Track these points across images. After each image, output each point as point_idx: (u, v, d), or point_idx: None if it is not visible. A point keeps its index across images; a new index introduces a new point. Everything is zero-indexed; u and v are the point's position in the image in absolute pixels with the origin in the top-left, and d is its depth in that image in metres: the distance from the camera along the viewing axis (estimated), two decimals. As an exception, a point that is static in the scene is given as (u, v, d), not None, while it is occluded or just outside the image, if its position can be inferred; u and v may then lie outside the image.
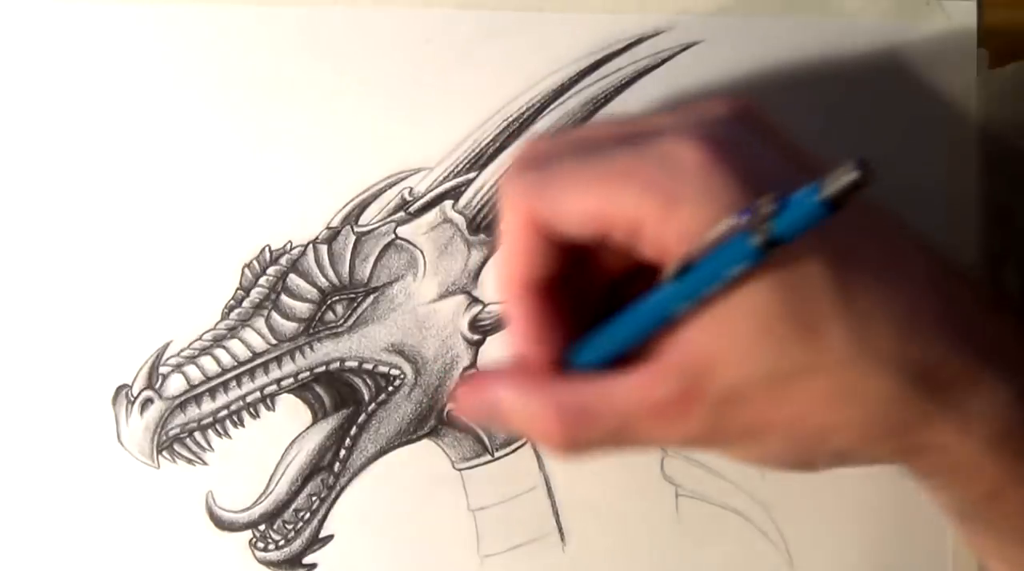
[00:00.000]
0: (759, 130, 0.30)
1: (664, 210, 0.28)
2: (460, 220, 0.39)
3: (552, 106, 0.40)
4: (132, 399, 0.38)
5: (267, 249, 0.39)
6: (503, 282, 0.31)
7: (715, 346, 0.28)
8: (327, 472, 0.39)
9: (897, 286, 0.29)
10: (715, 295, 0.28)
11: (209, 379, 0.38)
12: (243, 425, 0.39)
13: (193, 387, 0.38)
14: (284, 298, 0.39)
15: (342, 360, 0.39)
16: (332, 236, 0.39)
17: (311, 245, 0.39)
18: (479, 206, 0.39)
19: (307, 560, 0.39)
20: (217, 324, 0.39)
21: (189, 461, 0.38)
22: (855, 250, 0.29)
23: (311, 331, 0.39)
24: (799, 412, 0.29)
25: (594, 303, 0.32)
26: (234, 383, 0.38)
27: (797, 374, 0.28)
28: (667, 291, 0.28)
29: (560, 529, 0.39)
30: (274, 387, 0.38)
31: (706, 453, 0.30)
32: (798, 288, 0.28)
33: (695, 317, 0.28)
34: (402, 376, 0.39)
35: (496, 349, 0.39)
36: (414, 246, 0.39)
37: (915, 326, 0.28)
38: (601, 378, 0.30)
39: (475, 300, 0.39)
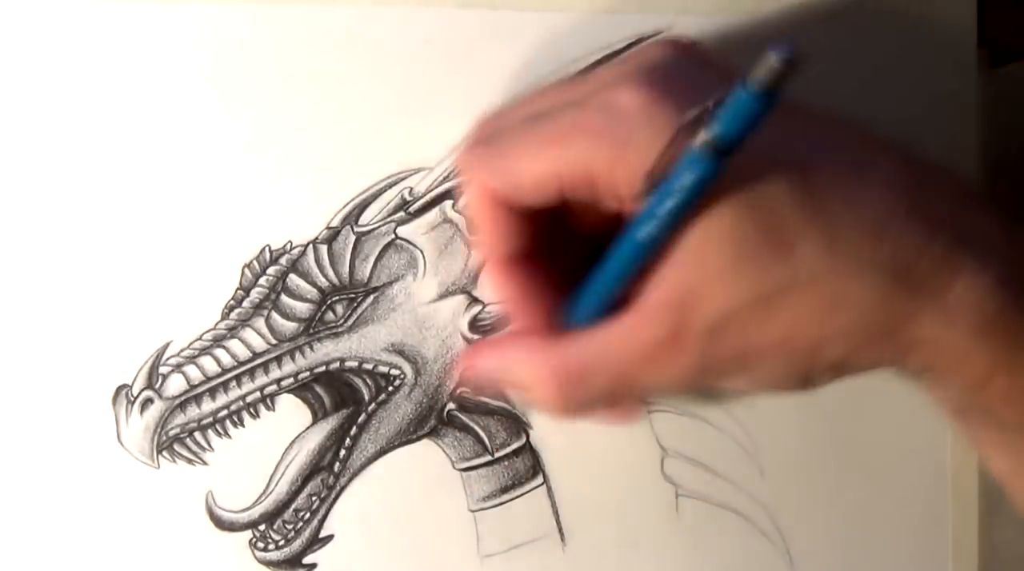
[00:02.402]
0: (700, 63, 0.30)
1: (613, 156, 0.28)
2: (460, 220, 0.39)
3: (552, 106, 0.40)
4: (132, 399, 0.38)
5: (267, 249, 0.39)
6: (484, 258, 0.31)
7: (694, 278, 0.28)
8: (327, 472, 0.39)
9: (862, 188, 0.29)
10: (683, 219, 0.28)
11: (209, 379, 0.38)
12: (243, 425, 0.39)
13: (193, 387, 0.38)
14: (284, 298, 0.39)
15: (342, 360, 0.39)
16: (332, 236, 0.39)
17: (311, 245, 0.39)
18: (479, 206, 0.39)
19: (307, 560, 0.39)
20: (217, 324, 0.39)
21: (189, 461, 0.38)
22: (815, 160, 0.29)
23: (311, 331, 0.39)
24: (788, 330, 0.28)
25: (582, 265, 0.32)
26: (234, 383, 0.38)
27: (779, 292, 0.28)
28: (633, 225, 0.28)
29: (560, 529, 0.39)
30: (274, 387, 0.39)
31: (706, 390, 0.30)
32: (764, 207, 0.28)
33: (671, 254, 0.28)
34: (402, 376, 0.39)
35: (496, 349, 0.39)
36: (414, 246, 0.39)
37: (885, 223, 0.28)
38: (591, 333, 0.30)
39: (475, 300, 0.39)
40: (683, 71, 0.30)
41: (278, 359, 0.38)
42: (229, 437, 0.39)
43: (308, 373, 0.39)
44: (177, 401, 0.38)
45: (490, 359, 0.32)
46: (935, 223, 0.29)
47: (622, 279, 0.30)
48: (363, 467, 0.39)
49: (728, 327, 0.28)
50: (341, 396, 0.39)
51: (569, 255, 0.32)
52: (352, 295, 0.39)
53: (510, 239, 0.31)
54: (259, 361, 0.38)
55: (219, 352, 0.38)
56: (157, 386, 0.38)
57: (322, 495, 0.39)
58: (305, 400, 0.39)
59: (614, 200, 0.29)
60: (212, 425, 0.38)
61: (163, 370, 0.38)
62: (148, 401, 0.38)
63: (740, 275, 0.28)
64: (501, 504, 0.39)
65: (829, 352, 0.29)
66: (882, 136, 0.31)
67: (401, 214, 0.39)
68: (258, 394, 0.38)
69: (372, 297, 0.39)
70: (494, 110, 0.34)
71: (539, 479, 0.39)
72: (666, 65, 0.30)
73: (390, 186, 0.39)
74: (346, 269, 0.39)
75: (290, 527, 0.39)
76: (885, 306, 0.28)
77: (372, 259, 0.39)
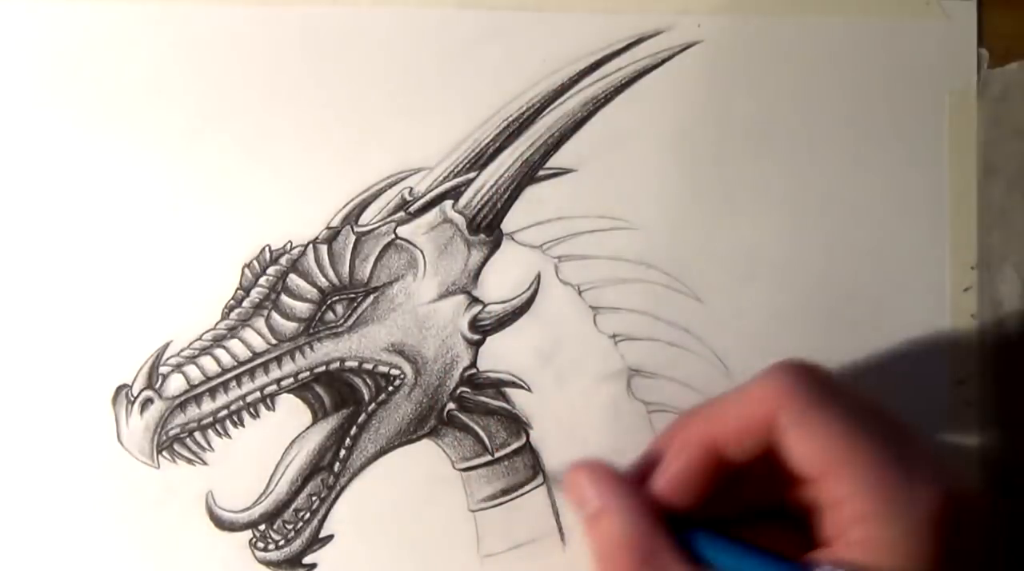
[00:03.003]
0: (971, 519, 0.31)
1: (872, 515, 0.29)
2: (460, 220, 0.39)
3: (552, 106, 0.40)
4: (132, 399, 0.38)
5: (267, 249, 0.39)
6: (696, 423, 0.32)
7: None
8: (327, 472, 0.39)
9: None
10: None
11: (209, 379, 0.38)
12: (243, 425, 0.39)
13: (193, 387, 0.38)
14: (284, 298, 0.39)
15: (342, 360, 0.39)
16: (332, 236, 0.39)
17: (311, 245, 0.39)
18: (479, 206, 0.39)
19: (307, 560, 0.39)
20: (217, 324, 0.39)
21: (189, 461, 0.38)
22: None
23: (311, 331, 0.39)
24: None
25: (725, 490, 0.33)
26: (234, 383, 0.38)
27: None
28: None
29: (560, 529, 0.39)
30: (274, 387, 0.38)
31: None
32: None
33: None
34: (402, 376, 0.39)
35: (496, 349, 0.39)
36: (414, 246, 0.39)
37: None
38: None
39: (475, 300, 0.39)
40: (964, 534, 0.30)
41: (278, 359, 0.38)
42: (229, 437, 0.39)
43: (308, 373, 0.39)
44: (177, 401, 0.38)
45: (598, 490, 0.32)
46: None
47: None
48: (363, 467, 0.39)
49: None
50: (341, 396, 0.39)
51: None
52: (352, 295, 0.39)
53: (735, 448, 0.32)
54: (259, 361, 0.38)
55: (219, 352, 0.38)
56: (157, 386, 0.38)
57: (322, 495, 0.39)
58: (305, 400, 0.39)
59: (827, 528, 0.30)
60: (212, 425, 0.38)
61: (163, 370, 0.38)
62: (148, 401, 0.38)
63: None
64: (501, 504, 0.39)
65: None
66: None
67: (401, 214, 0.39)
68: (258, 394, 0.38)
69: (372, 297, 0.39)
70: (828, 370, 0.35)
71: (539, 479, 0.39)
72: (960, 511, 0.30)
73: (390, 186, 0.39)
74: (346, 269, 0.39)
75: (290, 527, 0.39)
76: None
77: (372, 259, 0.39)
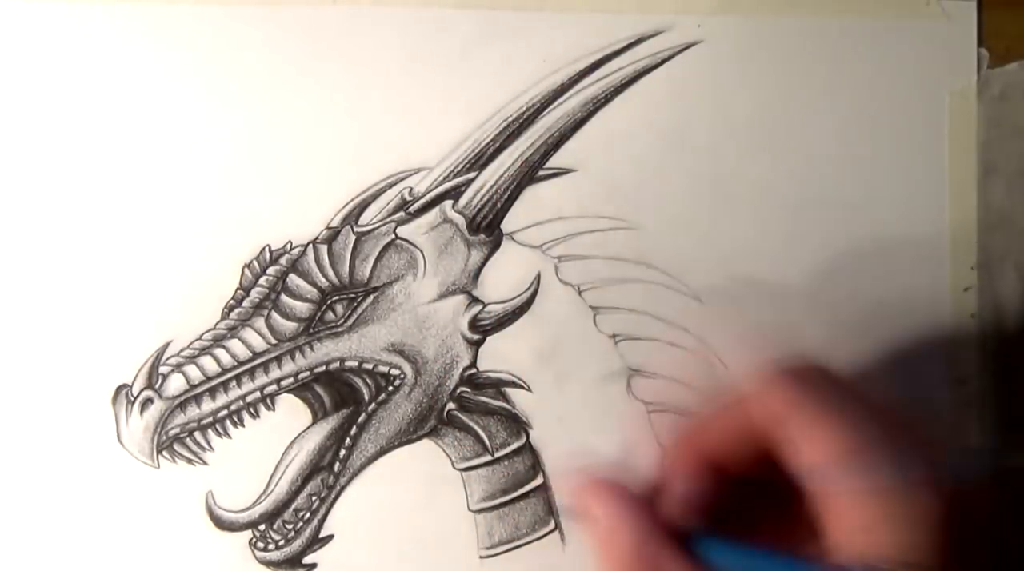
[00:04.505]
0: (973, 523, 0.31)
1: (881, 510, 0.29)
2: (460, 220, 0.39)
3: (552, 106, 0.40)
4: (132, 399, 0.38)
5: (267, 249, 0.39)
6: (697, 445, 0.32)
7: None
8: (327, 472, 0.39)
9: None
10: None
11: (209, 379, 0.38)
12: (243, 425, 0.39)
13: (193, 387, 0.38)
14: (284, 298, 0.39)
15: (342, 360, 0.39)
16: (332, 236, 0.39)
17: (311, 245, 0.39)
18: (479, 206, 0.39)
19: (307, 560, 0.39)
20: (217, 324, 0.39)
21: (189, 461, 0.38)
22: None
23: (311, 331, 0.39)
24: None
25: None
26: (234, 383, 0.38)
27: None
28: None
29: (560, 529, 0.39)
30: (274, 387, 0.38)
31: None
32: None
33: None
34: (402, 376, 0.39)
35: (496, 349, 0.39)
36: (414, 246, 0.39)
37: None
38: None
39: (475, 300, 0.39)
40: (963, 531, 0.30)
41: (278, 359, 0.38)
42: (229, 437, 0.39)
43: (308, 373, 0.39)
44: (177, 401, 0.38)
45: (604, 506, 0.32)
46: None
47: None
48: (363, 467, 0.39)
49: None
50: (341, 396, 0.39)
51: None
52: (352, 295, 0.39)
53: (734, 459, 0.32)
54: (259, 361, 0.38)
55: (219, 352, 0.38)
56: (157, 386, 0.38)
57: (322, 495, 0.39)
58: (305, 400, 0.39)
59: (815, 496, 0.30)
60: (212, 425, 0.38)
61: (163, 370, 0.38)
62: (148, 401, 0.38)
63: None
64: (501, 504, 0.39)
65: None
66: None
67: (401, 214, 0.39)
68: (258, 394, 0.38)
69: (372, 297, 0.39)
70: (822, 364, 0.35)
71: (539, 479, 0.39)
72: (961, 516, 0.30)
73: (390, 186, 0.39)
74: (346, 269, 0.39)
75: (290, 527, 0.39)
76: None
77: (372, 259, 0.39)
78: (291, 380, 0.39)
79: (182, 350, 0.38)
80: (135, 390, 0.38)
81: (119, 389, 0.38)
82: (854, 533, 0.29)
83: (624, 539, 0.31)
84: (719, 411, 0.33)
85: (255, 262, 0.39)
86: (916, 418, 0.32)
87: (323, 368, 0.39)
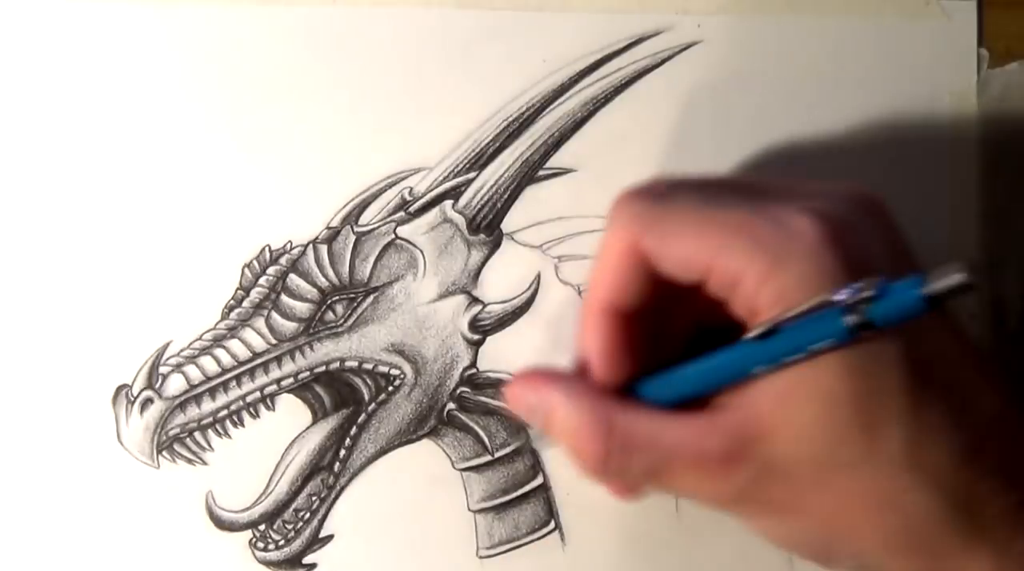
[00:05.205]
0: (875, 220, 0.31)
1: (767, 271, 0.28)
2: (460, 220, 0.39)
3: (552, 106, 0.40)
4: (132, 399, 0.38)
5: (267, 249, 0.39)
6: (588, 299, 0.32)
7: (776, 416, 0.28)
8: (327, 472, 0.39)
9: (965, 413, 0.29)
10: (792, 364, 0.28)
11: (209, 379, 0.38)
12: (243, 425, 0.39)
13: (193, 387, 0.38)
14: (284, 298, 0.39)
15: (342, 360, 0.39)
16: (332, 236, 0.39)
17: (311, 245, 0.39)
18: (479, 206, 0.39)
19: (307, 560, 0.39)
20: (217, 324, 0.39)
21: (189, 461, 0.38)
22: (935, 363, 0.29)
23: (311, 331, 0.39)
24: (835, 504, 0.29)
25: (672, 342, 0.32)
26: (234, 383, 0.38)
27: (846, 466, 0.28)
28: (747, 350, 0.29)
29: (560, 529, 0.39)
30: (274, 387, 0.38)
31: (729, 515, 0.31)
32: (871, 381, 0.28)
33: (763, 382, 0.29)
34: (402, 376, 0.39)
35: (496, 349, 0.39)
36: (414, 246, 0.39)
37: (973, 458, 0.28)
38: (656, 414, 0.30)
39: (475, 300, 0.39)
40: (857, 221, 0.30)
41: (278, 359, 0.38)
42: (229, 437, 0.39)
43: (308, 373, 0.39)
44: (177, 401, 0.38)
45: (537, 392, 0.32)
46: (1016, 478, 0.29)
47: (710, 388, 0.30)
48: (363, 467, 0.39)
49: (783, 475, 0.28)
50: (341, 396, 0.39)
51: (664, 327, 0.32)
52: (352, 295, 0.39)
53: (627, 295, 0.31)
54: (259, 361, 0.38)
55: (219, 352, 0.38)
56: (157, 386, 0.38)
57: (322, 495, 0.39)
58: (305, 400, 0.39)
59: (743, 307, 0.29)
60: (212, 425, 0.38)
61: (163, 370, 0.38)
62: (148, 401, 0.38)
63: (820, 432, 0.28)
64: (501, 504, 0.39)
65: (861, 542, 0.29)
66: (995, 365, 0.31)
67: (401, 214, 0.39)
68: (258, 394, 0.38)
69: (372, 297, 0.39)
70: (671, 176, 0.35)
71: (539, 479, 0.39)
72: (844, 208, 0.30)
73: (390, 186, 0.39)
74: (346, 269, 0.39)
75: (290, 527, 0.39)
76: (939, 528, 0.28)
77: (372, 259, 0.39)
78: (291, 380, 0.39)
79: (182, 350, 0.39)
80: (135, 390, 0.38)
81: (119, 389, 0.38)
82: (755, 296, 0.29)
83: (566, 411, 0.31)
84: (594, 263, 0.32)
85: (255, 262, 0.39)
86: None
87: (323, 368, 0.39)
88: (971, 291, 0.26)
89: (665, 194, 0.31)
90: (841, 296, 0.27)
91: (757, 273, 0.28)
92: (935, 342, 0.29)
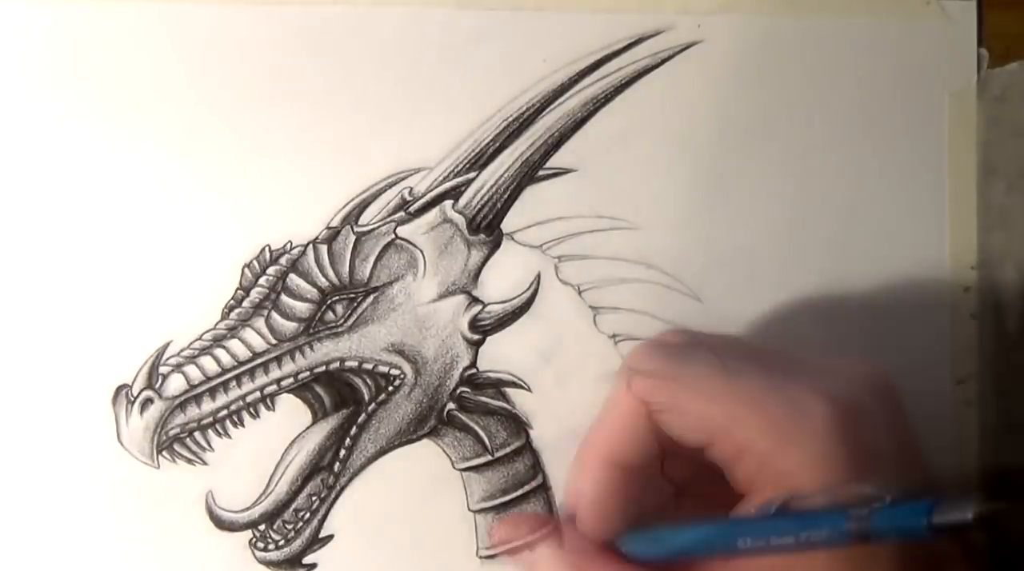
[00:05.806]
0: (883, 404, 0.31)
1: (773, 450, 0.29)
2: (460, 220, 0.39)
3: (552, 106, 0.40)
4: (132, 399, 0.38)
5: (267, 249, 0.39)
6: (589, 449, 0.32)
7: None
8: (327, 472, 0.39)
9: None
10: (781, 549, 0.28)
11: (209, 379, 0.38)
12: (243, 425, 0.39)
13: (193, 387, 0.38)
14: (284, 298, 0.39)
15: (342, 360, 0.39)
16: (332, 236, 0.39)
17: (311, 245, 0.39)
18: (479, 206, 0.39)
19: (307, 560, 0.39)
20: (217, 324, 0.39)
21: (189, 461, 0.38)
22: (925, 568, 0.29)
23: (311, 331, 0.39)
24: None
25: (666, 487, 0.33)
26: (234, 383, 0.38)
27: None
28: (739, 523, 0.29)
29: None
30: (274, 387, 0.38)
31: None
32: None
33: (751, 563, 0.29)
34: (402, 376, 0.39)
35: (496, 349, 0.39)
36: (414, 246, 0.39)
37: None
38: None
39: (475, 300, 0.39)
40: (869, 410, 0.30)
41: (278, 359, 0.38)
42: (229, 437, 0.39)
43: (308, 373, 0.39)
44: (177, 401, 0.38)
45: (525, 540, 0.33)
46: None
47: (697, 554, 0.30)
48: (363, 467, 0.39)
49: None
50: (341, 396, 0.39)
51: (654, 472, 0.33)
52: (352, 295, 0.39)
53: (630, 451, 0.32)
54: (259, 361, 0.38)
55: (219, 352, 0.38)
56: (157, 386, 0.38)
57: (322, 495, 0.39)
58: (305, 400, 0.39)
59: (742, 478, 0.30)
60: (212, 425, 0.38)
61: (163, 370, 0.38)
62: (148, 401, 0.38)
63: None
64: (501, 504, 0.39)
65: None
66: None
67: (401, 214, 0.39)
68: (258, 394, 0.38)
69: (372, 297, 0.39)
70: (689, 332, 0.36)
71: (539, 479, 0.39)
72: (859, 393, 0.30)
73: (390, 186, 0.39)
74: (346, 269, 0.39)
75: (290, 527, 0.39)
76: None
77: (372, 259, 0.39)
78: (291, 380, 0.39)
79: (182, 350, 0.38)
80: (135, 390, 0.38)
81: (119, 389, 0.38)
82: (756, 473, 0.29)
83: (547, 562, 0.32)
84: (599, 416, 0.32)
85: (255, 262, 0.39)
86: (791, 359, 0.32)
87: (323, 368, 0.39)
88: (975, 531, 0.26)
89: (680, 354, 0.31)
90: (850, 499, 0.27)
91: (763, 449, 0.29)
92: (930, 547, 0.29)
